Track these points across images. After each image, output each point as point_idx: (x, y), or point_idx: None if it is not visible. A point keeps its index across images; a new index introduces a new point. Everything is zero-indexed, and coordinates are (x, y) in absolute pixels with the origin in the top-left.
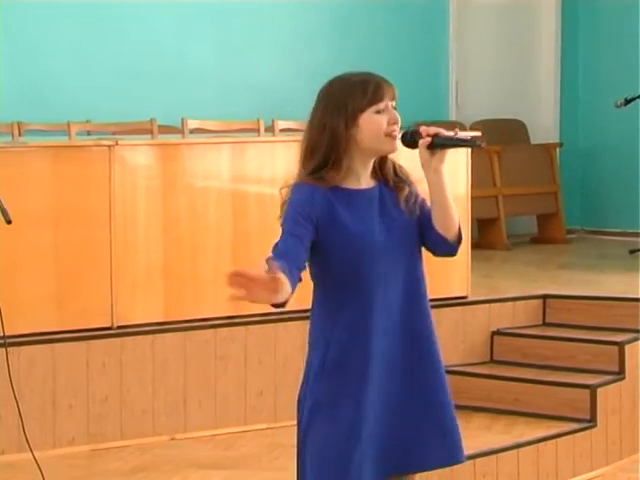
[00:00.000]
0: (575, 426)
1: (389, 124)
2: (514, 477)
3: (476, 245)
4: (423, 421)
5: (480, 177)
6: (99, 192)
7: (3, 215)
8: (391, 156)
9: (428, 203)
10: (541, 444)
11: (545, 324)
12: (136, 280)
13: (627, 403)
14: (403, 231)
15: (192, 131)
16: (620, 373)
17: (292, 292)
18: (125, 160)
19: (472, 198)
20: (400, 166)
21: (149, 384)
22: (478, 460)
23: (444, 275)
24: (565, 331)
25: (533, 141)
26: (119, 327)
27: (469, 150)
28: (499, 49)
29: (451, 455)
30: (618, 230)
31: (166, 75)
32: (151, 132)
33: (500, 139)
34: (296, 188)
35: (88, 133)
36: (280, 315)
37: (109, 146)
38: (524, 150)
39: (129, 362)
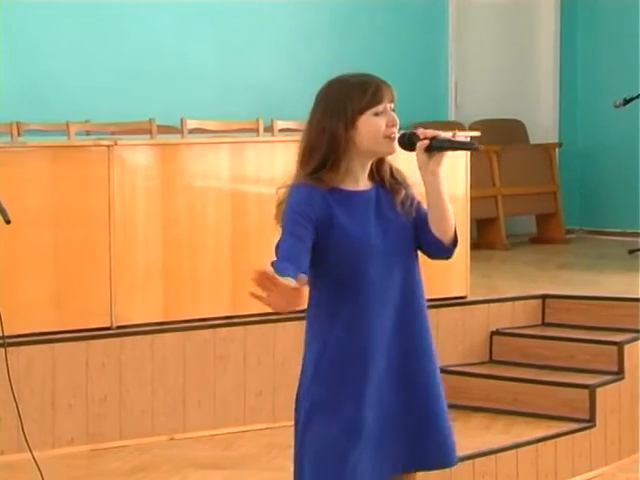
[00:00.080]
0: (574, 426)
1: (388, 126)
2: (513, 477)
3: (475, 245)
4: (420, 422)
5: (479, 177)
6: (98, 192)
7: (2, 215)
8: (388, 158)
9: (424, 206)
10: (540, 444)
11: (544, 324)
12: (135, 280)
13: (626, 403)
14: (399, 233)
15: (191, 131)
16: (619, 373)
17: None
18: (124, 160)
19: (471, 198)
20: (397, 169)
21: (148, 384)
22: (477, 460)
23: (443, 275)
24: (564, 331)
25: (532, 141)
26: (118, 327)
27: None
28: (498, 49)
29: (446, 455)
30: (617, 230)
31: (165, 75)
32: (150, 132)
33: (499, 139)
34: (294, 189)
35: (87, 133)
36: (279, 315)
37: (108, 146)
38: (523, 150)
39: (128, 362)
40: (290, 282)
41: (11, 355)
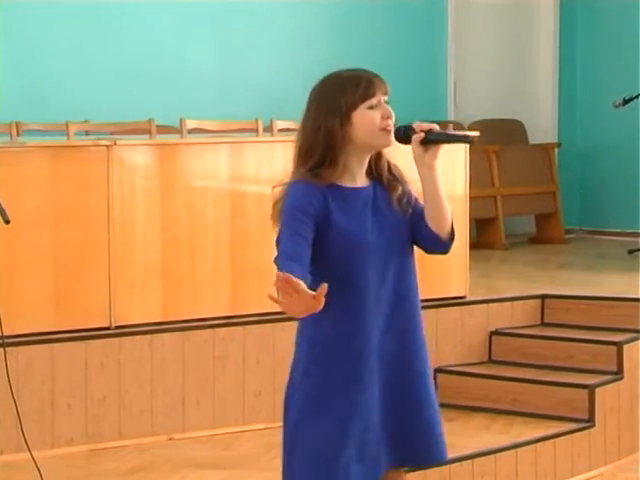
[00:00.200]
0: (573, 426)
1: (383, 118)
2: (512, 477)
3: (474, 245)
4: (411, 419)
5: (478, 177)
6: (97, 192)
7: (1, 215)
8: (387, 155)
9: (421, 202)
10: (539, 444)
11: (543, 324)
12: (134, 280)
13: (625, 403)
14: (395, 230)
15: (190, 131)
16: (618, 373)
17: None
18: (123, 160)
19: (470, 198)
20: (395, 165)
21: (147, 384)
22: (476, 460)
23: (442, 275)
24: (564, 331)
25: (531, 141)
26: (117, 327)
27: (467, 150)
28: (498, 49)
29: (437, 453)
30: (617, 230)
31: (165, 75)
32: (149, 132)
33: (498, 139)
34: (292, 186)
35: (86, 133)
36: (278, 315)
37: (107, 146)
38: (522, 150)
39: (127, 362)
40: (304, 284)
41: (10, 355)
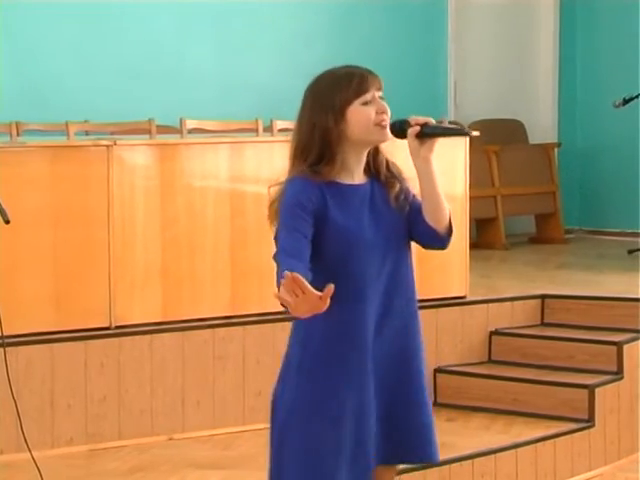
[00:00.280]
0: (573, 426)
1: (377, 114)
2: (512, 477)
3: (474, 245)
4: (408, 419)
5: (478, 177)
6: (97, 192)
7: (1, 215)
8: (385, 152)
9: (419, 198)
10: (539, 444)
11: (543, 324)
12: (134, 280)
13: (625, 403)
14: (392, 227)
15: (190, 131)
16: (618, 373)
17: None
18: (123, 160)
19: (470, 198)
20: (393, 163)
21: (147, 384)
22: (477, 460)
23: (442, 275)
24: (564, 331)
25: (531, 141)
26: (117, 327)
27: (467, 150)
28: (498, 49)
29: (429, 453)
30: (617, 230)
31: (165, 75)
32: (149, 132)
33: (498, 139)
34: (289, 183)
35: (86, 133)
36: (278, 315)
37: (107, 146)
38: (522, 150)
39: (127, 362)
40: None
41: (10, 355)
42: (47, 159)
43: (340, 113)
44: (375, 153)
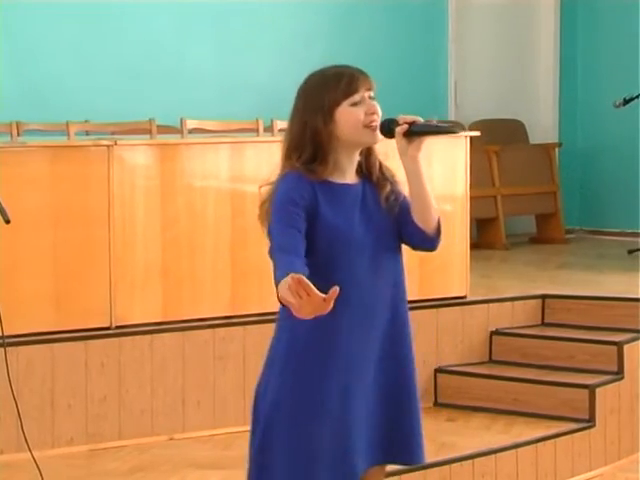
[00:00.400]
0: (574, 426)
1: (367, 115)
2: (513, 477)
3: (475, 245)
4: (399, 419)
5: (479, 177)
6: (98, 192)
7: (2, 215)
8: (378, 154)
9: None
10: (540, 444)
11: (544, 324)
12: (135, 280)
13: (626, 403)
14: (382, 228)
15: (191, 131)
16: (619, 373)
17: None
18: (124, 160)
19: (471, 198)
20: (386, 166)
21: (147, 384)
22: (477, 460)
23: (443, 275)
24: (564, 331)
25: (532, 141)
26: (117, 327)
27: (468, 150)
28: (498, 49)
29: (420, 454)
30: (617, 230)
31: (165, 75)
32: (150, 132)
33: (499, 139)
34: (282, 179)
35: (87, 133)
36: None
37: (108, 146)
38: (523, 150)
39: (127, 362)
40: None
41: (10, 355)
42: (47, 159)
43: (329, 114)
44: (367, 154)
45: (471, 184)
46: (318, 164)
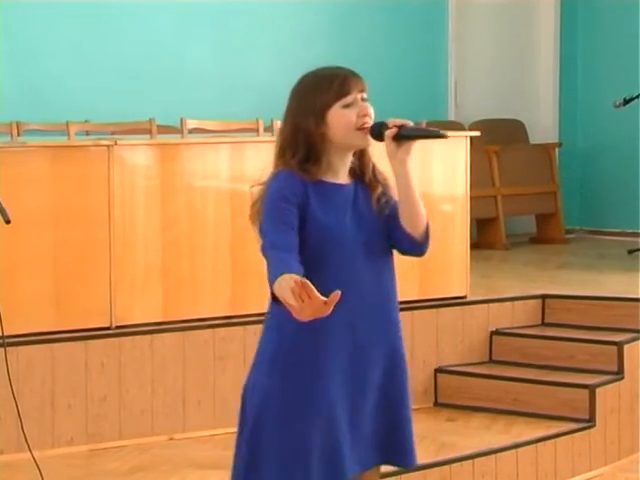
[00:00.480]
0: (574, 426)
1: (359, 117)
2: (513, 477)
3: (475, 245)
4: (393, 420)
5: (479, 177)
6: (98, 192)
7: (2, 215)
8: (372, 155)
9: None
10: (540, 444)
11: (544, 324)
12: (135, 280)
13: (626, 403)
14: (373, 229)
15: (191, 131)
16: (619, 373)
17: None
18: (124, 160)
19: (471, 198)
20: (380, 170)
21: (148, 384)
22: (477, 460)
23: (443, 275)
24: (564, 331)
25: (532, 141)
26: (118, 327)
27: (468, 150)
28: (498, 49)
29: (413, 456)
30: (617, 230)
31: (165, 75)
32: (150, 132)
33: (499, 139)
34: (274, 177)
35: (87, 133)
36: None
37: (108, 146)
38: (523, 150)
39: (128, 362)
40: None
41: (11, 355)
42: (47, 159)
43: (321, 116)
44: (361, 155)
45: (471, 184)
46: (312, 164)
